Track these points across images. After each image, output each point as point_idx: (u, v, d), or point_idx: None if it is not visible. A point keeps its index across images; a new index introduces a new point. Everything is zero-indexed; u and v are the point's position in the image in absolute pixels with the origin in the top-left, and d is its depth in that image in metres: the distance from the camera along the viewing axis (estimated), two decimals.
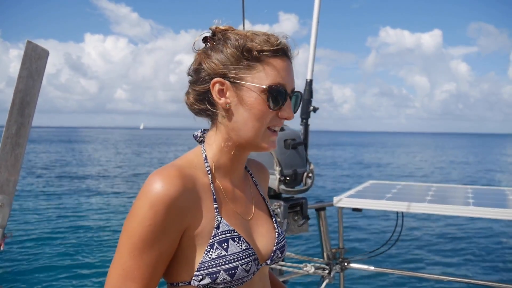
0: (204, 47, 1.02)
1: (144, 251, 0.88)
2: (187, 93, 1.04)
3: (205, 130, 1.06)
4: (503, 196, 2.62)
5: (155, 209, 0.86)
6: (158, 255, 0.89)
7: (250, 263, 0.94)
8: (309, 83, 2.54)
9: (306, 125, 2.53)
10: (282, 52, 0.98)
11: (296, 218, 2.45)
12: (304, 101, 2.54)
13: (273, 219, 1.11)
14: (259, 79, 0.95)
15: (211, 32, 1.01)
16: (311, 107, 2.53)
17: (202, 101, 1.01)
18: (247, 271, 0.94)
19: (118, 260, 0.89)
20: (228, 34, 0.99)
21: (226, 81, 0.97)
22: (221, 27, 1.00)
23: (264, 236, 1.05)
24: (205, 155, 1.02)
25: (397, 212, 2.64)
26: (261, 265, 1.01)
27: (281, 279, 2.47)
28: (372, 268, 2.71)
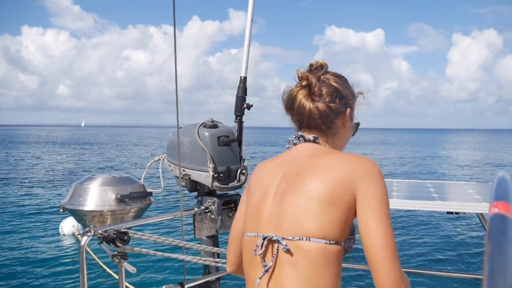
0: (324, 74, 1.32)
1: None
2: (315, 101, 1.28)
3: (316, 136, 1.30)
4: (463, 190, 2.75)
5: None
6: None
7: None
8: (243, 81, 2.57)
9: (240, 122, 2.55)
10: None
11: (230, 214, 2.47)
12: (238, 99, 2.56)
13: None
14: (352, 110, 1.35)
15: (319, 64, 1.33)
16: (245, 104, 2.56)
17: (328, 115, 1.28)
18: None
19: (390, 232, 1.11)
20: (333, 72, 1.35)
21: (350, 109, 1.33)
22: (322, 62, 1.34)
23: None
24: None
25: None
26: None
27: (216, 275, 2.48)
28: None
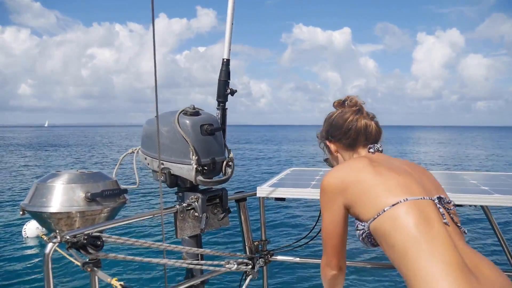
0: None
1: None
2: (370, 120, 1.68)
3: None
4: (465, 180, 2.63)
5: None
6: None
7: None
8: (226, 63, 2.32)
9: (223, 109, 2.31)
10: None
11: (215, 211, 2.23)
12: (221, 83, 2.31)
13: None
14: None
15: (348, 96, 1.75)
16: (228, 90, 2.32)
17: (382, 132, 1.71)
18: None
19: None
20: None
21: None
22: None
23: None
24: None
25: None
26: None
27: (201, 279, 2.25)
28: (297, 259, 2.59)
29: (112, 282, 1.70)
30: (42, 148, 48.10)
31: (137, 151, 2.29)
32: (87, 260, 1.68)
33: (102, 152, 41.69)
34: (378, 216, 1.38)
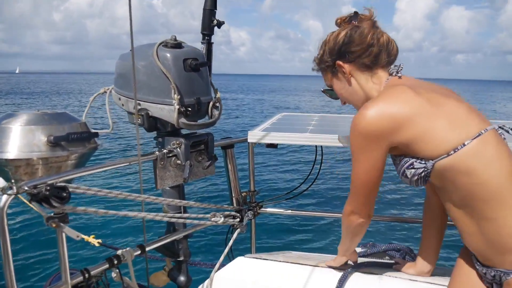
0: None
1: None
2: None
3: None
4: None
5: None
6: None
7: None
8: None
9: (209, 43, 2.02)
10: None
11: (200, 159, 2.00)
12: (206, 13, 2.00)
13: None
14: None
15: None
16: (215, 20, 2.01)
17: None
18: None
19: None
20: None
21: None
22: None
23: None
24: None
25: (316, 146, 2.31)
26: None
27: (184, 233, 2.07)
28: (288, 211, 2.42)
29: (90, 240, 1.49)
30: (15, 96, 46.52)
31: (110, 91, 2.01)
32: (52, 214, 1.44)
33: (78, 99, 40.60)
34: (455, 151, 1.23)
